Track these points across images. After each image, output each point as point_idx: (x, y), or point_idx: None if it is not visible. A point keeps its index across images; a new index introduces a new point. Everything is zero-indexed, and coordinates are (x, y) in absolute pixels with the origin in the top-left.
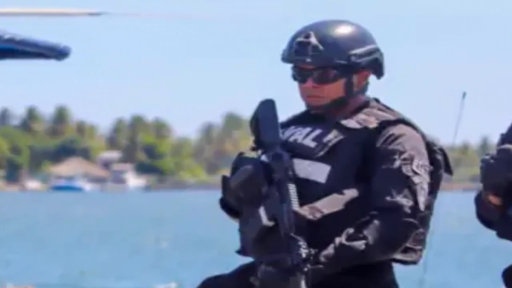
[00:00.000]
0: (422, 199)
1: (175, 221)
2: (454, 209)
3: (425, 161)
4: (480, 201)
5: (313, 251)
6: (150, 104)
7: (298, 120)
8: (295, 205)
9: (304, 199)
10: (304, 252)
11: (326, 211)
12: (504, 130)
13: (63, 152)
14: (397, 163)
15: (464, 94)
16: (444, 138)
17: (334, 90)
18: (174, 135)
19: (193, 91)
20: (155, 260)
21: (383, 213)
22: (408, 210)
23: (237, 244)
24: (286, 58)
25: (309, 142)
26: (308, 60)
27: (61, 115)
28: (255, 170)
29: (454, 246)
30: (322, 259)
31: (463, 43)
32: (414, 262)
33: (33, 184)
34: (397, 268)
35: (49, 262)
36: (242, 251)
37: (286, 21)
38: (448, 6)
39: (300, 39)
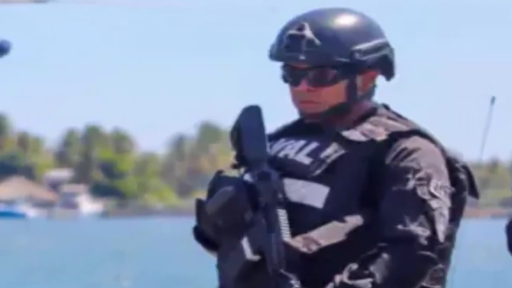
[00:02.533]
0: (441, 228)
1: (139, 255)
2: (481, 240)
3: (445, 181)
4: None
5: None
6: (108, 111)
7: (289, 131)
8: (286, 235)
9: (297, 228)
10: None
11: (324, 242)
12: None
13: (2, 171)
14: (410, 184)
15: (493, 99)
16: (468, 153)
17: (334, 94)
18: (137, 150)
19: (161, 95)
20: None
21: (393, 245)
22: (424, 242)
23: (214, 283)
24: (275, 55)
25: (303, 158)
26: (302, 57)
27: None
28: (236, 193)
29: (481, 286)
30: None
31: (491, 37)
32: None
33: None
34: None
35: None
36: None
37: (273, 9)
38: None
39: (292, 31)
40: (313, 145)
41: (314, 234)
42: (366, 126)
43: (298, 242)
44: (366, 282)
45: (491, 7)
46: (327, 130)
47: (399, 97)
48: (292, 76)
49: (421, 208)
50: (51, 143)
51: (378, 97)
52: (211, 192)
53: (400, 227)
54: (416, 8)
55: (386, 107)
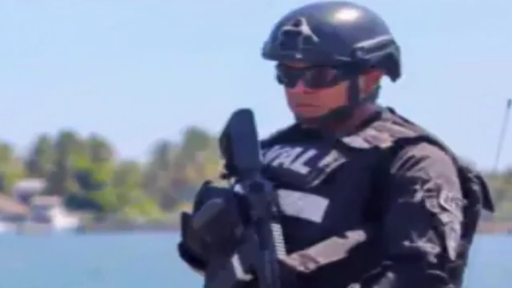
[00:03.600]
0: (452, 244)
1: (118, 274)
2: (496, 258)
3: (456, 192)
4: None
5: None
6: (84, 116)
7: (284, 138)
8: (281, 253)
9: (292, 244)
10: None
11: (323, 260)
12: None
13: None
14: (418, 196)
15: (509, 102)
16: (482, 161)
17: (334, 96)
18: (116, 158)
19: (142, 98)
20: None
21: (399, 263)
22: (433, 259)
23: None
24: (268, 54)
25: (300, 167)
26: (298, 56)
27: None
28: (226, 205)
29: None
30: None
31: (507, 33)
32: None
33: None
34: None
35: None
36: None
37: (269, 4)
38: None
39: (287, 27)
40: (311, 152)
41: (312, 251)
42: (369, 131)
43: (294, 260)
44: None
45: (507, 2)
46: (326, 136)
47: (406, 99)
48: (287, 76)
49: (430, 223)
50: (21, 151)
51: (383, 100)
52: (198, 204)
53: (407, 243)
54: (425, 3)
55: (392, 110)
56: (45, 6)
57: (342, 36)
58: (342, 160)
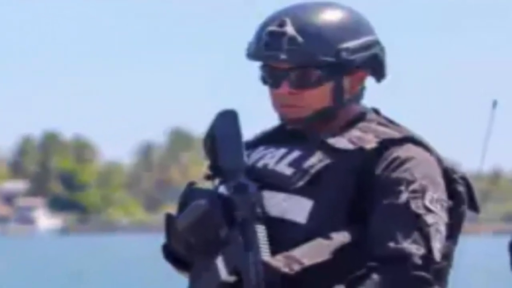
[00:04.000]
0: (437, 246)
1: (101, 276)
2: (481, 259)
3: (441, 194)
4: None
5: None
6: (68, 116)
7: (269, 139)
8: (265, 254)
9: (277, 246)
10: None
11: (307, 262)
12: None
13: None
14: (403, 197)
15: (495, 103)
16: (468, 162)
17: (318, 97)
18: (100, 159)
19: (126, 99)
20: None
21: (384, 265)
22: (418, 261)
23: None
24: (253, 54)
25: (284, 169)
26: (283, 56)
27: None
28: (210, 207)
29: None
30: None
31: (493, 34)
32: None
33: None
34: None
35: None
36: None
37: (250, 3)
38: None
39: (271, 28)
40: (295, 153)
41: (297, 252)
42: (354, 132)
43: (278, 262)
44: None
45: (494, 5)
46: (311, 137)
47: (391, 100)
48: (272, 77)
49: (415, 224)
50: (4, 152)
51: (368, 101)
52: (182, 206)
53: (391, 244)
54: (409, 4)
55: (377, 111)
56: (30, 5)
57: (326, 36)
58: (327, 161)
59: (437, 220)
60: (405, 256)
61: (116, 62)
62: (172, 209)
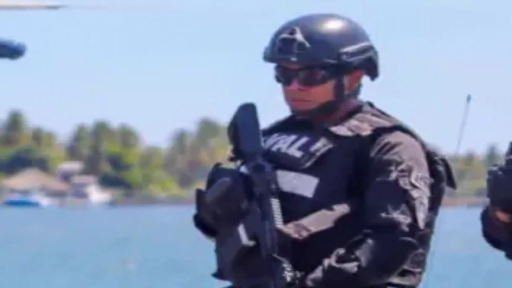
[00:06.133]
0: (421, 216)
1: (143, 241)
2: (458, 227)
3: (425, 172)
4: (486, 218)
5: (299, 274)
6: (115, 108)
7: (282, 127)
8: (279, 223)
9: (288, 216)
10: (288, 275)
11: (314, 229)
12: None
13: (18, 163)
14: (393, 175)
15: (469, 98)
16: (446, 147)
17: (322, 93)
18: (142, 144)
19: (164, 93)
20: (120, 285)
21: (377, 232)
22: (405, 228)
23: (213, 267)
24: (268, 57)
25: (295, 152)
26: (293, 59)
27: (15, 122)
28: (233, 183)
29: (458, 269)
30: (309, 283)
31: (468, 39)
32: (412, 287)
33: None
34: None
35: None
36: (219, 275)
37: (267, 14)
38: None
39: (284, 35)
40: (304, 139)
41: (305, 221)
42: (352, 122)
43: (289, 229)
44: (352, 265)
45: (468, 11)
46: (317, 126)
47: (383, 95)
48: (284, 76)
49: (403, 198)
50: (63, 138)
51: (364, 95)
52: (210, 182)
53: (383, 215)
54: (397, 13)
55: (371, 104)
56: (79, 18)
57: (329, 42)
58: (330, 145)
59: (421, 195)
60: (395, 224)
61: (155, 63)
62: (202, 186)
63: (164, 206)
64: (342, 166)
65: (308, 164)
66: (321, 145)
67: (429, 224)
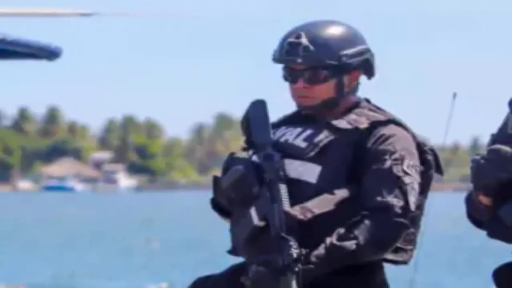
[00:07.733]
0: (412, 199)
1: (166, 222)
2: (445, 209)
3: (415, 161)
4: (470, 201)
5: (304, 251)
6: (142, 104)
7: (289, 121)
8: (286, 205)
9: (295, 199)
10: (295, 252)
11: (317, 211)
12: (494, 130)
13: (55, 153)
14: (388, 163)
15: (454, 95)
16: (434, 138)
17: (325, 90)
18: (165, 136)
19: (184, 91)
20: (145, 261)
21: (374, 213)
22: (398, 210)
23: (228, 245)
24: (277, 59)
25: (300, 143)
26: (299, 60)
27: (52, 116)
28: (246, 171)
29: (445, 247)
30: (313, 259)
31: (454, 41)
32: (404, 262)
33: (24, 184)
34: (388, 268)
35: (40, 263)
36: (233, 251)
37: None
38: (440, 4)
39: (291, 39)
40: (308, 132)
41: (309, 204)
42: (351, 116)
43: (296, 211)
44: (351, 243)
45: (454, 16)
46: (320, 120)
47: (379, 92)
48: (291, 76)
49: (396, 183)
50: (95, 130)
51: (361, 93)
52: (225, 170)
53: (379, 198)
54: (391, 19)
55: (368, 101)
56: (109, 23)
57: (331, 46)
58: (331, 137)
59: (412, 181)
60: (389, 207)
61: (177, 64)
62: (218, 173)
63: (185, 191)
64: (342, 155)
65: (312, 153)
66: (323, 137)
67: (420, 206)
